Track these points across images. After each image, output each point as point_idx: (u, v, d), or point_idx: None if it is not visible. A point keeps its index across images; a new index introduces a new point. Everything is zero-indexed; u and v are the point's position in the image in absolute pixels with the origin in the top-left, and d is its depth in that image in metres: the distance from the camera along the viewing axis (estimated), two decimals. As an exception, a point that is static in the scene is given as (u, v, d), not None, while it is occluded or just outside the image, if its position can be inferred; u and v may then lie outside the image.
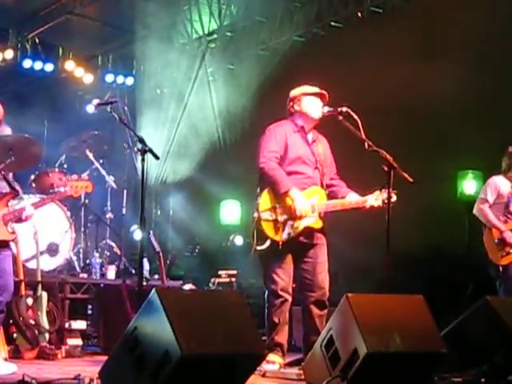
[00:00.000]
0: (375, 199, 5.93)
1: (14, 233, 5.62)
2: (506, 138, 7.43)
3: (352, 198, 6.05)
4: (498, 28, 8.28)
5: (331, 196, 6.12)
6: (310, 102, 6.06)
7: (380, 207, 5.84)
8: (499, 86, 8.08)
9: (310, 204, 5.84)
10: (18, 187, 5.97)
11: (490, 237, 7.13)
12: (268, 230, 5.80)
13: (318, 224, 5.94)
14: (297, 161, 6.00)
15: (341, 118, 5.85)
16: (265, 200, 5.86)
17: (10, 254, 5.56)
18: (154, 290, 4.06)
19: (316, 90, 6.09)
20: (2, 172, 5.76)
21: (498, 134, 8.01)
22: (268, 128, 6.08)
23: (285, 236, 5.82)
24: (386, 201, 5.72)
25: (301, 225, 5.84)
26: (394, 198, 5.83)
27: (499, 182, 7.28)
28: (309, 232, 5.91)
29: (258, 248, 5.83)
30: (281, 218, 5.82)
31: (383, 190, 5.86)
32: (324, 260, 6.01)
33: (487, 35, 8.32)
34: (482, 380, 4.93)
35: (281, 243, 5.80)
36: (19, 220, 5.65)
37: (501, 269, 7.04)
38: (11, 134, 6.53)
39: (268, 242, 5.80)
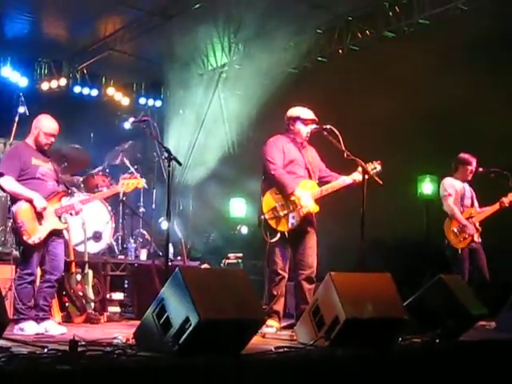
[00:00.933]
0: (359, 174, 5.80)
1: (66, 223, 5.62)
2: (456, 150, 7.47)
3: (340, 180, 6.02)
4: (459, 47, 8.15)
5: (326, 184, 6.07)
6: (302, 125, 6.05)
7: (367, 178, 5.64)
8: (451, 105, 8.03)
9: (309, 196, 5.82)
10: (72, 188, 5.96)
11: (451, 226, 7.24)
12: (275, 225, 5.80)
13: (316, 209, 5.91)
14: (291, 163, 6.00)
15: (325, 133, 5.83)
16: (266, 203, 5.86)
17: (62, 241, 5.56)
18: (177, 269, 4.05)
19: (308, 115, 6.05)
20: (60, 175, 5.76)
21: (449, 146, 8.01)
22: (268, 141, 6.08)
23: (290, 226, 5.81)
24: (371, 171, 5.70)
25: (302, 212, 5.81)
26: (378, 168, 5.86)
27: (451, 181, 7.44)
28: (307, 219, 5.90)
29: (272, 241, 5.80)
30: (282, 213, 5.81)
31: (369, 163, 5.84)
32: (314, 245, 6.01)
33: (446, 62, 8.26)
34: (437, 341, 4.92)
35: (287, 233, 5.80)
36: (71, 214, 5.62)
37: (459, 251, 7.14)
38: (65, 146, 6.53)
39: (278, 235, 5.80)
